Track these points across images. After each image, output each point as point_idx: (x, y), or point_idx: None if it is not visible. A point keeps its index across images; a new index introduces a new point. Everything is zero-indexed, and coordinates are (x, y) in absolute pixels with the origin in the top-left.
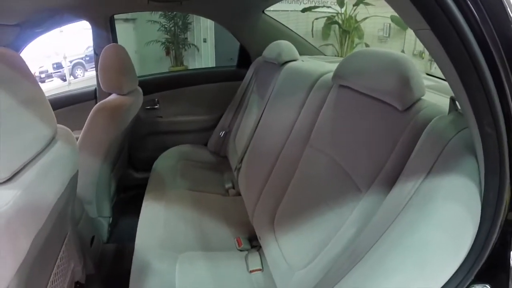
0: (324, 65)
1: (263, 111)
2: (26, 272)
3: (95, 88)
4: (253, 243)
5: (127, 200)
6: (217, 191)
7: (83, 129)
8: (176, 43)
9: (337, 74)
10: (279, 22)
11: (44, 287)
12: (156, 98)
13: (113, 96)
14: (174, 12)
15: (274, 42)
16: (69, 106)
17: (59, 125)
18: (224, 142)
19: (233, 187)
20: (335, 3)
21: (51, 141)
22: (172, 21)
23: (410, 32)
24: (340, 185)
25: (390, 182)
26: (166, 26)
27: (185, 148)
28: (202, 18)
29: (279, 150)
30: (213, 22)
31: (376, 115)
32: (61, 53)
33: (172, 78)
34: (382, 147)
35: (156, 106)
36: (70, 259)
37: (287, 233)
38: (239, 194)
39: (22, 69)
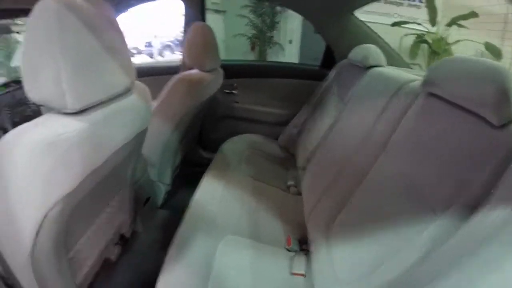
0: (410, 74)
1: (341, 113)
2: (72, 203)
3: (180, 64)
4: (303, 246)
5: (189, 175)
6: (279, 185)
7: (161, 95)
8: (262, 40)
9: (428, 80)
10: (369, 27)
11: (87, 224)
12: (235, 83)
13: (195, 71)
14: (263, 9)
15: (362, 45)
16: (152, 76)
17: (137, 81)
18: (295, 139)
19: (295, 186)
20: (427, 21)
21: (127, 91)
22: (261, 18)
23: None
24: (412, 203)
25: (472, 207)
26: (254, 22)
27: (255, 138)
28: (289, 19)
29: (350, 155)
30: (300, 25)
31: (466, 130)
32: (154, 33)
33: (254, 67)
34: (469, 166)
35: (235, 91)
36: (120, 210)
37: (342, 242)
38: (299, 193)
39: (111, 18)
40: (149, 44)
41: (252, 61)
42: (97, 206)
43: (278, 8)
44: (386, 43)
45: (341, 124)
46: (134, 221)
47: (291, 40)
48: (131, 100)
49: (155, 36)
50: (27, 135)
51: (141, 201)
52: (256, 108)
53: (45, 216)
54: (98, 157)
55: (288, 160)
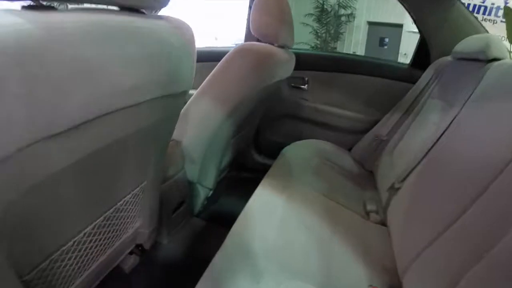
0: None
1: (452, 120)
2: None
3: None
4: None
5: (238, 181)
6: (356, 209)
7: (215, 68)
8: (325, 50)
9: None
10: (476, 18)
11: (77, 225)
12: (306, 77)
13: (263, 44)
14: (328, 19)
15: (474, 36)
16: (211, 62)
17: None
18: (373, 153)
19: (377, 212)
20: (504, 37)
21: None
22: (325, 27)
23: None
24: None
25: None
26: (318, 31)
27: (324, 145)
28: (355, 31)
29: (485, 175)
30: (365, 38)
31: None
32: (214, 34)
33: (330, 58)
34: None
35: (304, 86)
36: (136, 215)
37: None
38: (383, 223)
39: None
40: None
41: (328, 52)
42: (93, 199)
43: (343, 19)
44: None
45: (455, 134)
46: (157, 230)
47: (355, 52)
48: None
49: (216, 39)
50: None
51: (170, 206)
52: (328, 109)
53: None
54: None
55: (364, 177)
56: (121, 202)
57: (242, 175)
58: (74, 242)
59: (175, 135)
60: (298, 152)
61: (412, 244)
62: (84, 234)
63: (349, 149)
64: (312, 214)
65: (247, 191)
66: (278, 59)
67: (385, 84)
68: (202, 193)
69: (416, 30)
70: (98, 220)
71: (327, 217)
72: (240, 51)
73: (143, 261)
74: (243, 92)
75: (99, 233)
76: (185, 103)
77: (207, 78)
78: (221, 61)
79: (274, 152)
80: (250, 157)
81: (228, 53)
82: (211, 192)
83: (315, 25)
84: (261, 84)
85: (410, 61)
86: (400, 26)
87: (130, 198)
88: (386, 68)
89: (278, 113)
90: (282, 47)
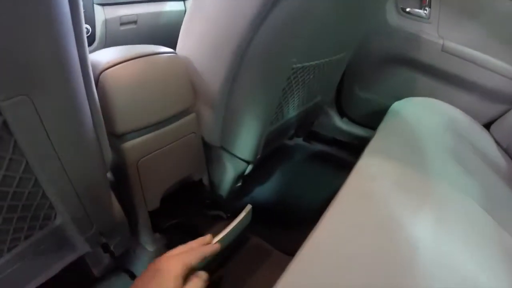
0: None
1: None
2: None
3: None
4: None
5: (309, 155)
6: None
7: None
8: None
9: None
10: None
11: None
12: None
13: None
14: None
15: None
16: None
17: None
18: None
19: None
20: None
21: None
22: None
23: None
24: None
25: None
26: None
27: (454, 112)
28: None
29: None
30: None
31: None
32: None
33: None
34: None
35: (423, 12)
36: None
37: None
38: None
39: None
40: None
41: None
42: None
43: None
44: None
45: None
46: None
47: None
48: None
49: None
50: None
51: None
52: (462, 53)
53: None
54: None
55: None
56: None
57: (313, 148)
58: None
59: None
60: (416, 114)
61: None
62: None
63: (486, 125)
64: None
65: (322, 171)
66: None
67: None
68: (232, 168)
69: None
70: None
71: (490, 245)
72: None
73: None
74: None
75: None
76: None
77: None
78: None
79: (366, 115)
80: (327, 122)
81: None
82: (249, 168)
83: None
84: None
85: None
86: None
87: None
88: None
89: (377, 56)
90: None
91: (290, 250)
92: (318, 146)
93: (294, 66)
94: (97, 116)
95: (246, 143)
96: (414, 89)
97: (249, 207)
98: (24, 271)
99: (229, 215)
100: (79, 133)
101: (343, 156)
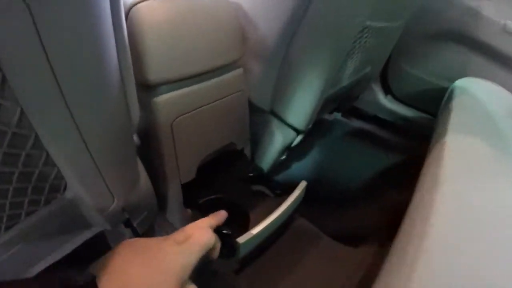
0: None
1: None
2: None
3: None
4: None
5: (346, 134)
6: None
7: None
8: None
9: None
10: None
11: None
12: None
13: None
14: None
15: None
16: None
17: None
18: None
19: None
20: None
21: None
22: None
23: None
24: None
25: None
26: None
27: None
28: None
29: None
30: None
31: None
32: None
33: None
34: None
35: None
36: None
37: None
38: None
39: None
40: None
41: None
42: None
43: None
44: None
45: None
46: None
47: None
48: None
49: None
50: None
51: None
52: None
53: None
54: None
55: None
56: None
57: (353, 124)
58: None
59: None
60: (485, 96)
61: None
62: None
63: None
64: None
65: (361, 149)
66: None
67: None
68: (281, 136)
69: None
70: None
71: None
72: None
73: None
74: None
75: None
76: None
77: None
78: None
79: (413, 94)
80: (370, 98)
81: None
82: (297, 139)
83: None
84: None
85: None
86: None
87: None
88: None
89: (430, 32)
90: None
91: (339, 235)
92: (358, 123)
93: (366, 24)
94: (125, 57)
95: (301, 107)
96: (469, 69)
97: (303, 183)
98: (29, 252)
99: (278, 191)
100: (98, 76)
101: (384, 136)
